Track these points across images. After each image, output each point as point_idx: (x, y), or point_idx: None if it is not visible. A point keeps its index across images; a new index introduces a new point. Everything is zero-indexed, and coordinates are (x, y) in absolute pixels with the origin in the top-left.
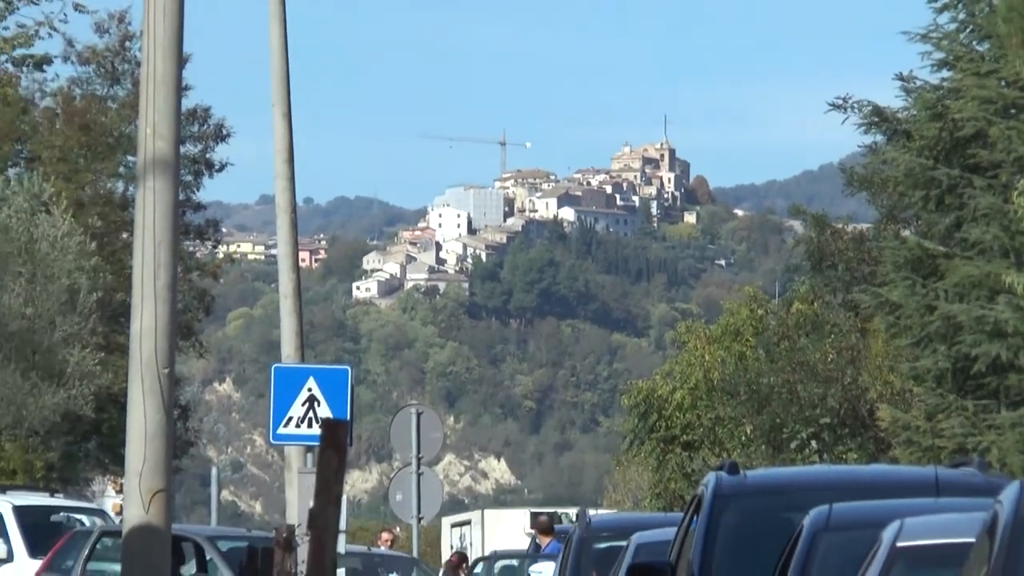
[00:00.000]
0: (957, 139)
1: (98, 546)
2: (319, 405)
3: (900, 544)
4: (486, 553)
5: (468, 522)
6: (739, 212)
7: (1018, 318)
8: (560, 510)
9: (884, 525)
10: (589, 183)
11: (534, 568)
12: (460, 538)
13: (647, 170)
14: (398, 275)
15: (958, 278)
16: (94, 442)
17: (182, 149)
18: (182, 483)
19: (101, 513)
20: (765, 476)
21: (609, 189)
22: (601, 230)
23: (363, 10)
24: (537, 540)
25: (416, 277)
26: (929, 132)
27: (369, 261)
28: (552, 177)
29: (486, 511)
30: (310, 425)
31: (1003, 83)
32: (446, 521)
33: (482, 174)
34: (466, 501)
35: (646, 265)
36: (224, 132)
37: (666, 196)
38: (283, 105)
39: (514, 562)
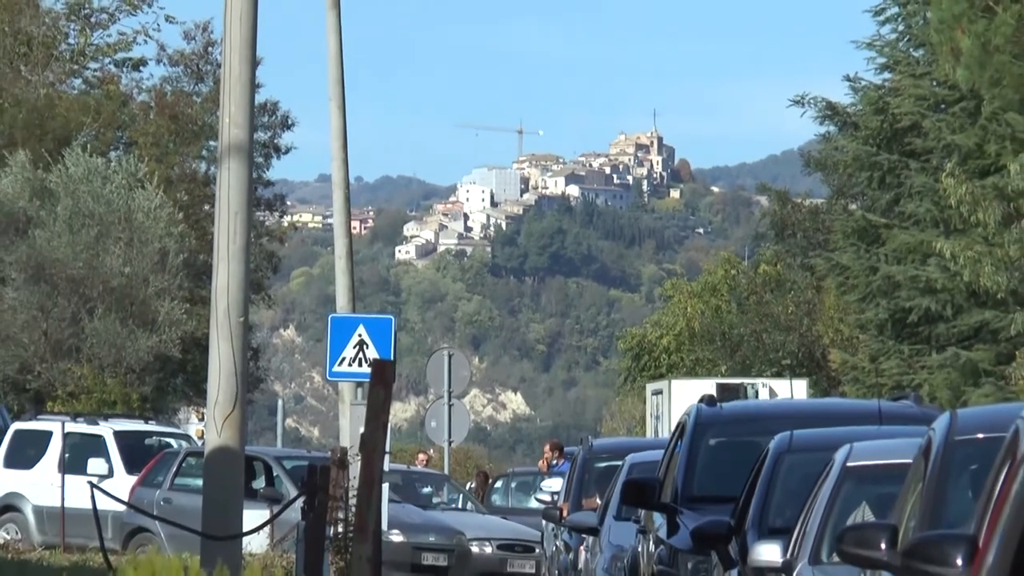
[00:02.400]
0: (896, 130)
1: (184, 464)
2: (367, 348)
3: (850, 464)
4: (668, 417)
5: (661, 391)
6: (715, 189)
7: (946, 277)
8: (746, 381)
9: (836, 448)
10: (591, 165)
11: (545, 483)
12: (656, 407)
13: (639, 154)
14: (432, 241)
15: (896, 244)
16: (181, 378)
17: (254, 136)
18: (253, 413)
19: (186, 437)
20: (738, 408)
21: (608, 170)
22: (601, 204)
23: (405, 19)
24: (550, 460)
25: (447, 242)
26: (873, 124)
27: (409, 229)
28: (560, 160)
29: (674, 381)
30: (360, 365)
31: (935, 83)
32: (649, 388)
33: (502, 157)
34: (488, 428)
35: (638, 233)
36: (289, 122)
37: (655, 176)
38: (338, 100)
39: (529, 479)
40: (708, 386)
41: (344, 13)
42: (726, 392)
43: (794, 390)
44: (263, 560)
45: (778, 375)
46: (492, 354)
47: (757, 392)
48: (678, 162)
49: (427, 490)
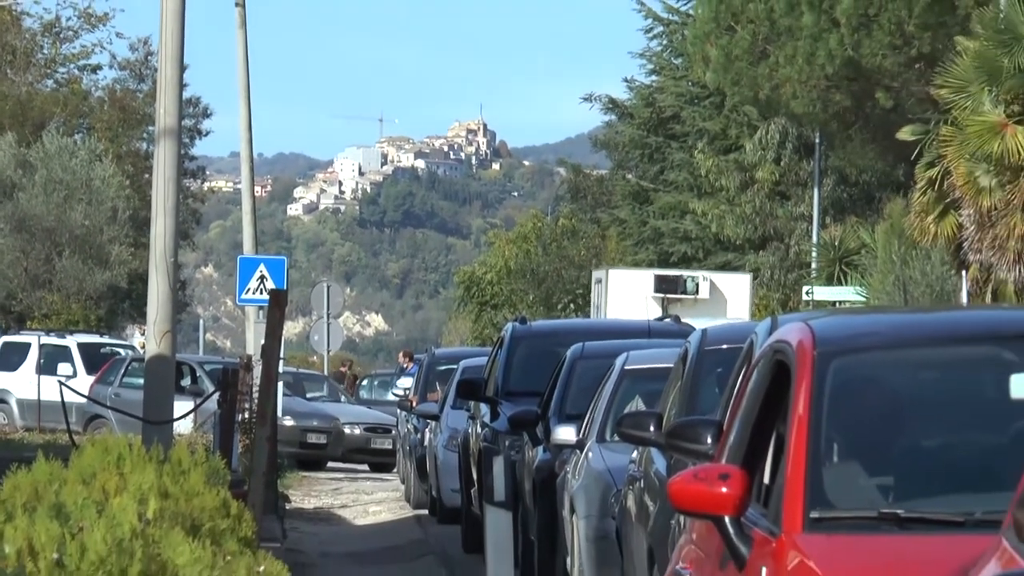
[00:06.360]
0: (662, 118)
1: (130, 367)
2: (267, 281)
3: (627, 367)
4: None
5: (601, 280)
6: (526, 163)
7: (698, 229)
8: (686, 273)
9: (617, 356)
10: (434, 145)
11: (400, 383)
12: (597, 295)
13: (469, 136)
14: (315, 201)
15: (661, 204)
16: (127, 303)
17: (182, 123)
18: (181, 329)
19: (131, 347)
20: (543, 325)
21: (446, 148)
22: (441, 174)
23: (297, 31)
24: (403, 364)
25: (327, 202)
26: (644, 114)
27: (297, 192)
28: (411, 141)
29: (612, 271)
30: (261, 293)
31: (691, 83)
32: (595, 275)
33: (367, 138)
34: (357, 340)
35: (468, 195)
36: (208, 112)
37: (481, 153)
38: (244, 96)
39: (388, 378)
40: (647, 276)
41: (250, 29)
42: (664, 283)
43: (737, 284)
44: (188, 439)
45: (573, 301)
46: (359, 285)
47: (698, 285)
48: (498, 143)
49: (312, 387)
